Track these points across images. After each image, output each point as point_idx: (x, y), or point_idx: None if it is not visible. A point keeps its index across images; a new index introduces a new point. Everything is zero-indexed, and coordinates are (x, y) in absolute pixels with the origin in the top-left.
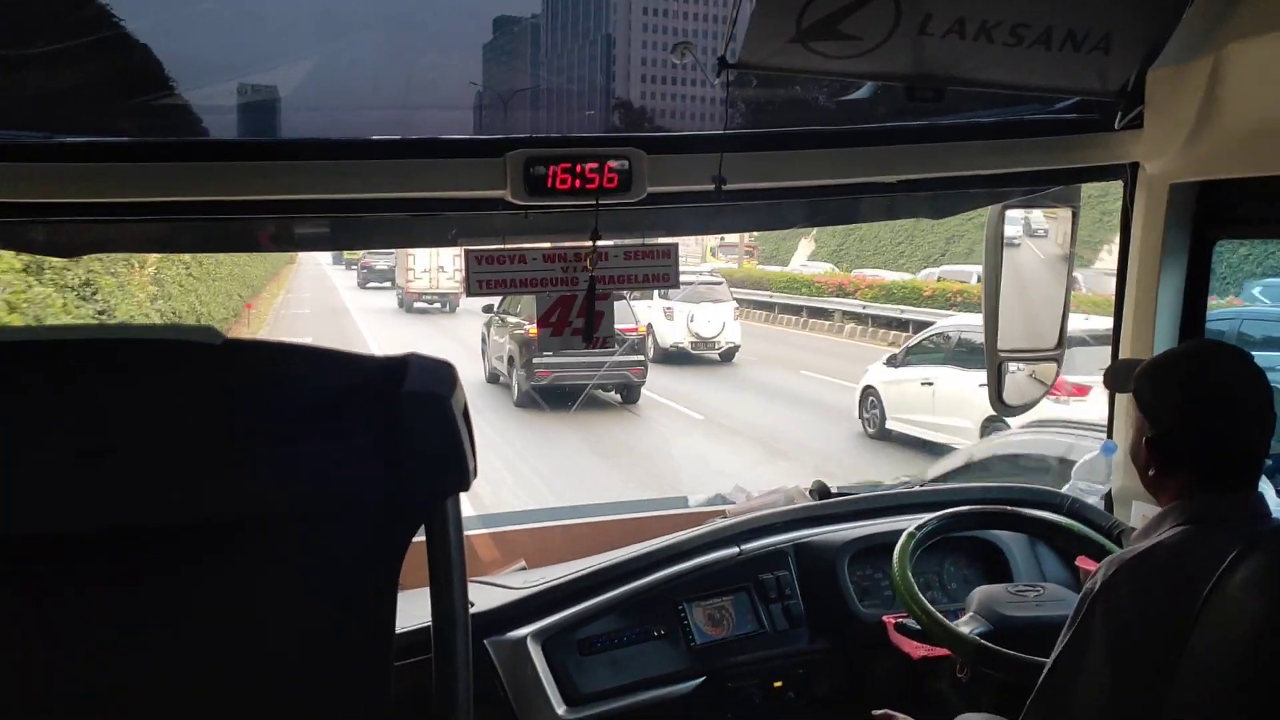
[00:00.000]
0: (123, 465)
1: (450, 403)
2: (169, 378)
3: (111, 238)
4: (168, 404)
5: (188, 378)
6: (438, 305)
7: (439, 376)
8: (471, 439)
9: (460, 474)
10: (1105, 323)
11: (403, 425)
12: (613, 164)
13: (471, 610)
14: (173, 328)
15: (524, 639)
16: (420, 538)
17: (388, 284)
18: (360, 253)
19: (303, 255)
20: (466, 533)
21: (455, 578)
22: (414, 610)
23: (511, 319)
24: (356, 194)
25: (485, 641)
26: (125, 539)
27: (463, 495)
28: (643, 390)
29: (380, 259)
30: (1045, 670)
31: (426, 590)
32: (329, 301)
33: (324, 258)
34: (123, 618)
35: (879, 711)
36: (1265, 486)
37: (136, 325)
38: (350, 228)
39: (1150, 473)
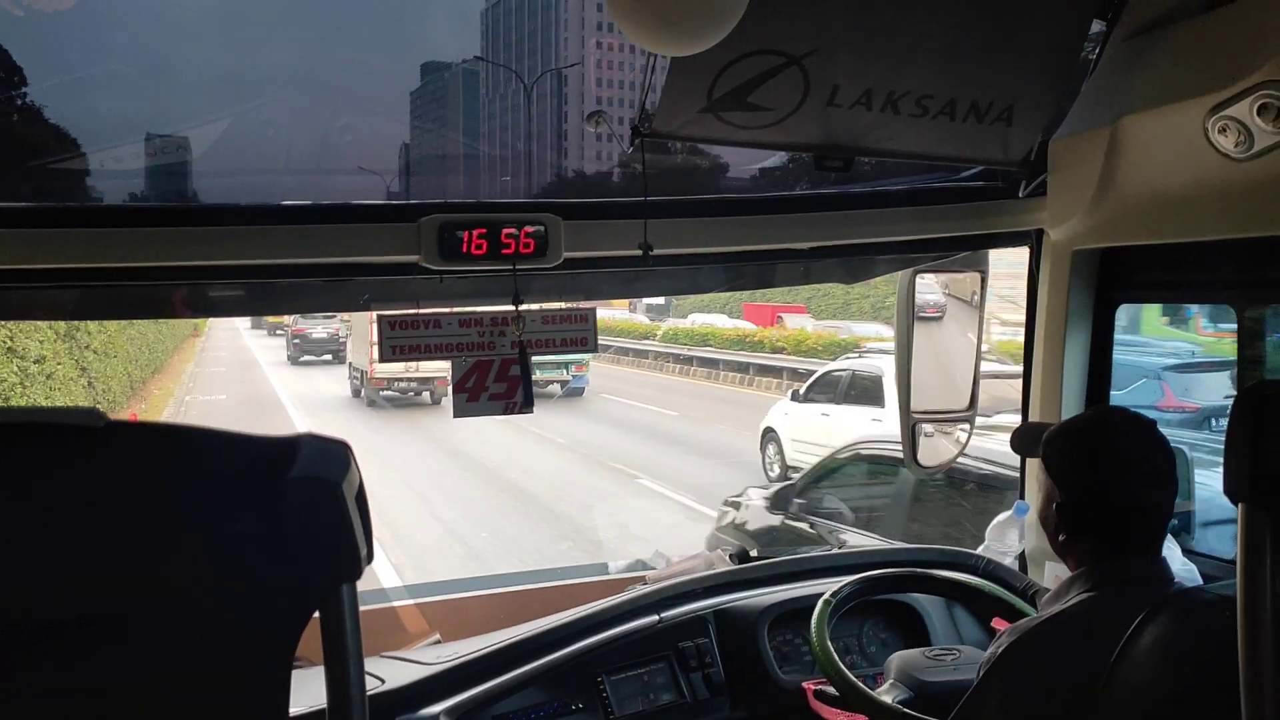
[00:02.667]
0: None
1: (341, 488)
2: (46, 464)
3: (15, 304)
4: (43, 492)
5: (66, 463)
6: (412, 394)
7: (331, 459)
8: (366, 524)
9: (352, 562)
10: None
11: (291, 512)
12: (529, 229)
13: (382, 688)
14: (52, 410)
15: (437, 717)
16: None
17: (328, 357)
18: (287, 316)
19: (213, 322)
20: (381, 605)
21: (351, 664)
22: (316, 687)
23: None
24: (268, 259)
25: None
26: None
27: (383, 564)
28: None
29: (317, 325)
30: None
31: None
32: (252, 386)
33: (240, 323)
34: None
35: None
36: (1171, 546)
37: (13, 408)
38: (262, 293)
39: (1060, 538)
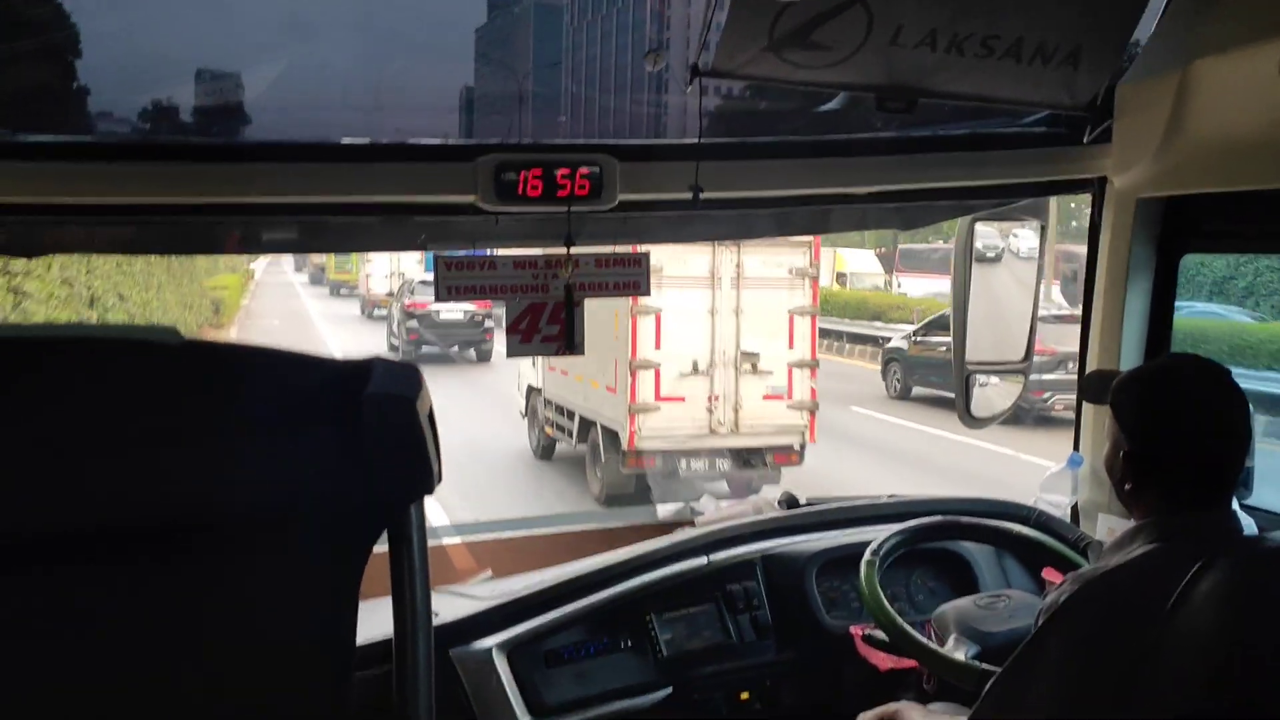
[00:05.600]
0: (72, 467)
1: (415, 405)
2: (124, 378)
3: (74, 238)
4: (122, 405)
5: (144, 378)
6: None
7: (404, 379)
8: (436, 442)
9: (425, 477)
10: None
11: (367, 427)
12: (584, 170)
13: (436, 621)
14: (130, 327)
15: (489, 650)
16: (382, 547)
17: (456, 348)
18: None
19: (259, 283)
20: (433, 542)
21: (418, 585)
22: (376, 621)
23: None
24: (324, 197)
25: (450, 652)
26: (73, 541)
27: (432, 503)
28: None
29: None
30: (995, 676)
31: (388, 601)
32: None
33: (294, 274)
34: (65, 622)
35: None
36: None
37: (92, 325)
38: (317, 231)
39: (1126, 487)
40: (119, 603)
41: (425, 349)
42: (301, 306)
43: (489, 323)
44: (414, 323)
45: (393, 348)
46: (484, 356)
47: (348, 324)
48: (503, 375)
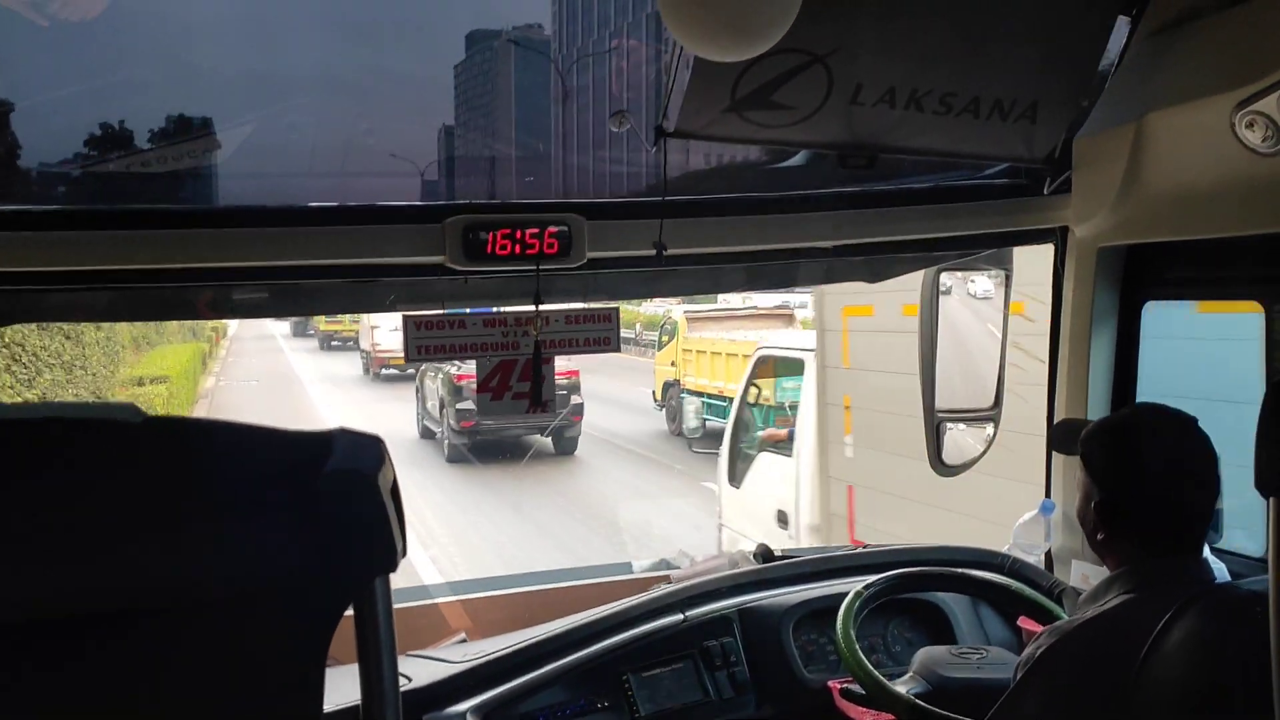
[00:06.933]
0: (29, 551)
1: (377, 480)
2: (84, 458)
3: (44, 306)
4: (82, 485)
5: (104, 458)
6: None
7: (366, 452)
8: (400, 516)
9: (388, 554)
10: None
11: (328, 504)
12: (553, 229)
13: (409, 686)
14: (90, 405)
15: (464, 715)
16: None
17: (519, 434)
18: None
19: (236, 335)
20: (406, 604)
21: (385, 657)
22: (347, 686)
23: None
24: (294, 261)
25: (424, 718)
26: (32, 627)
27: (409, 564)
28: None
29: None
30: None
31: (355, 667)
32: None
33: (275, 328)
34: (29, 710)
35: None
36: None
37: (51, 404)
38: (288, 295)
39: (1098, 537)
40: (79, 684)
41: (481, 437)
42: (287, 367)
43: (576, 398)
44: (469, 404)
45: (427, 432)
46: (567, 447)
47: (349, 390)
48: (597, 477)
